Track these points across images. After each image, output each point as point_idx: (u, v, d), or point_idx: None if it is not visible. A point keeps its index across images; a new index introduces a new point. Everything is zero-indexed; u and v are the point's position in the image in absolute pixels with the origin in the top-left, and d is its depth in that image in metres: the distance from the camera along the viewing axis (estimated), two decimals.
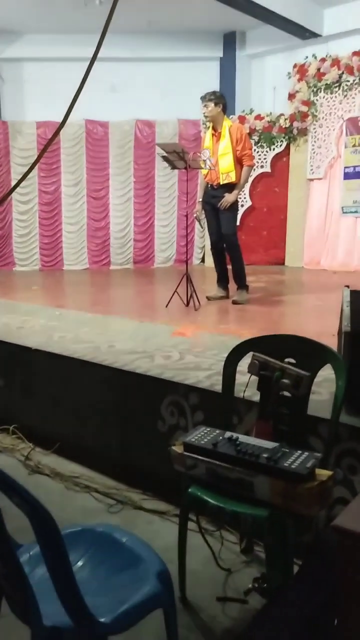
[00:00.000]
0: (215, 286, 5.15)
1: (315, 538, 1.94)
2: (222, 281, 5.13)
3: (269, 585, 1.73)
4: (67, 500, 2.51)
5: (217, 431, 1.75)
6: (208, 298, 4.99)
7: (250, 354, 1.87)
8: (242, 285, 4.97)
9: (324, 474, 1.53)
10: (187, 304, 4.66)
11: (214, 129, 4.85)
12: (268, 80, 8.32)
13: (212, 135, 4.86)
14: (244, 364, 1.89)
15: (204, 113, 4.83)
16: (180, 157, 4.68)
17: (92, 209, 8.44)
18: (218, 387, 2.17)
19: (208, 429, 1.76)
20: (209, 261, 8.34)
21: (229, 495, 1.61)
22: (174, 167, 4.89)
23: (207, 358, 2.84)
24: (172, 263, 8.66)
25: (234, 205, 4.89)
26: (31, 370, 3.27)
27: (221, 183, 4.78)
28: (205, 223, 5.10)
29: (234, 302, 4.82)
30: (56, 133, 1.51)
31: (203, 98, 4.78)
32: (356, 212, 7.25)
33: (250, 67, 8.62)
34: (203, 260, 8.51)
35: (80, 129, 8.10)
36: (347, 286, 2.40)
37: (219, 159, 4.75)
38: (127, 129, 8.22)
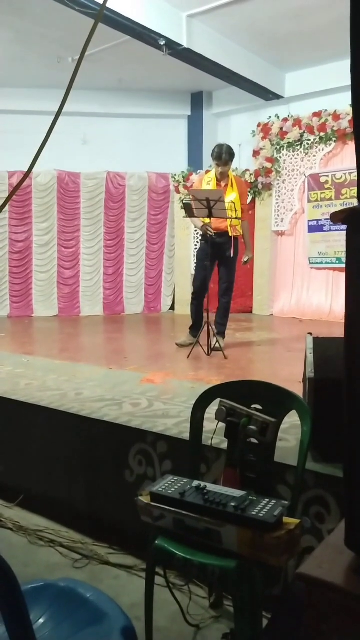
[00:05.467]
0: (186, 333, 5.15)
1: (284, 590, 1.90)
2: (196, 329, 5.06)
3: None
4: (30, 555, 2.41)
5: (185, 480, 1.72)
6: (177, 345, 5.01)
7: (218, 400, 1.88)
8: (224, 332, 5.04)
9: (291, 522, 1.51)
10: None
11: (218, 179, 4.87)
12: (234, 138, 8.73)
13: (217, 185, 4.85)
14: (212, 411, 1.89)
15: (220, 172, 4.80)
16: (206, 207, 4.49)
17: (62, 257, 8.52)
18: (186, 435, 2.16)
19: (176, 478, 1.73)
20: (178, 309, 8.45)
21: (197, 546, 1.57)
22: (191, 215, 4.64)
23: (176, 405, 2.83)
24: (141, 310, 8.72)
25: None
26: None
27: (230, 235, 4.80)
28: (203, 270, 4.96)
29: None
30: (20, 183, 1.54)
31: (219, 158, 4.72)
32: (321, 263, 7.51)
33: (217, 125, 9.05)
34: (173, 307, 8.60)
35: (52, 179, 8.25)
36: (310, 334, 2.45)
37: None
38: (99, 180, 8.42)
